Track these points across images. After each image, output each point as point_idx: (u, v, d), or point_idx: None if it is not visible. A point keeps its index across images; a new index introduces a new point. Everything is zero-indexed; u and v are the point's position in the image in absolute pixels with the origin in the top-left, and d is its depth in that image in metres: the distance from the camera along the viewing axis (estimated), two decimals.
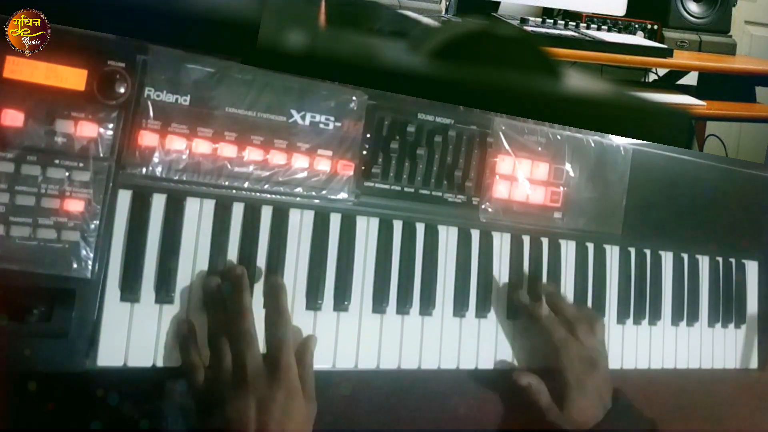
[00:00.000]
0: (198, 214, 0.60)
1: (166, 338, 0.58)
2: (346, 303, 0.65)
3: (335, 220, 0.65)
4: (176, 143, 0.58)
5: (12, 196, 0.52)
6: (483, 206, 0.71)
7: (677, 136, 0.83)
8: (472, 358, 0.70)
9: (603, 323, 0.74)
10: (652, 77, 1.23)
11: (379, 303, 0.66)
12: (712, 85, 1.16)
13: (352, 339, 0.65)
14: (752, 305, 0.92)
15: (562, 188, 0.74)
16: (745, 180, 0.88)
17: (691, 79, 1.20)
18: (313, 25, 0.71)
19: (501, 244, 0.73)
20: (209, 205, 0.61)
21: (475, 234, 0.72)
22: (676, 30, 1.19)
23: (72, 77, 0.54)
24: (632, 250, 0.82)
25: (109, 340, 0.56)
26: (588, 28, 1.13)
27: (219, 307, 0.58)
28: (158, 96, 0.57)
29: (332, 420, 0.66)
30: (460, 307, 0.70)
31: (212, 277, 0.59)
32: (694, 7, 1.19)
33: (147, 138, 0.57)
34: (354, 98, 0.64)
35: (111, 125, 0.55)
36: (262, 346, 0.57)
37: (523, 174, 0.72)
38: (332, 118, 0.63)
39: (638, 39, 1.15)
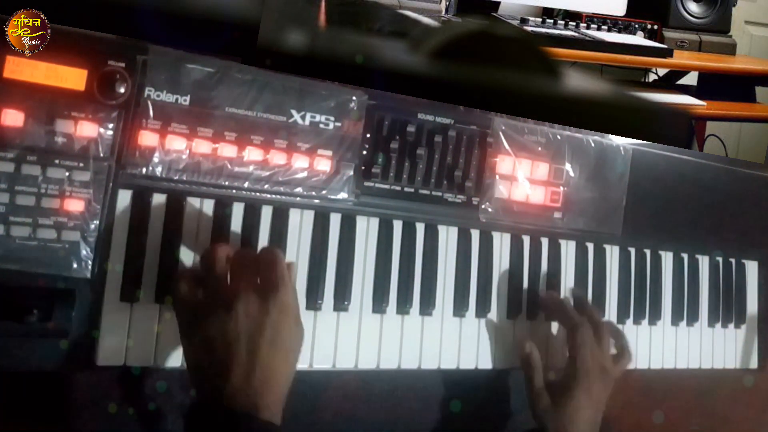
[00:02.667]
0: (198, 214, 0.60)
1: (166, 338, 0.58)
2: (346, 303, 0.65)
3: (335, 220, 0.66)
4: (176, 143, 0.58)
5: (12, 196, 0.52)
6: (483, 206, 0.71)
7: (677, 136, 0.83)
8: (472, 358, 0.70)
9: (630, 353, 0.73)
10: (652, 77, 1.23)
11: (379, 303, 0.66)
12: (712, 85, 1.16)
13: (352, 339, 0.65)
14: (752, 305, 0.92)
15: (562, 188, 0.74)
16: (745, 180, 0.88)
17: (691, 79, 1.20)
18: (313, 25, 0.72)
19: (501, 244, 0.73)
20: (209, 205, 0.61)
21: (475, 234, 0.72)
22: (676, 30, 1.19)
23: (72, 77, 0.54)
24: (632, 250, 0.82)
25: (109, 340, 0.56)
26: (588, 28, 1.13)
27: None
28: (158, 96, 0.57)
29: (332, 420, 0.66)
30: (460, 307, 0.70)
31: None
32: (694, 7, 1.19)
33: (147, 138, 0.57)
34: (354, 98, 0.64)
35: (111, 125, 0.55)
36: None
37: (523, 174, 0.72)
38: (332, 118, 0.63)
39: (638, 39, 1.15)
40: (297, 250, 0.63)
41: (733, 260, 0.90)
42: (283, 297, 0.54)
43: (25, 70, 0.53)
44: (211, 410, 0.50)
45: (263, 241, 0.62)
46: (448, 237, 0.71)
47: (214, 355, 0.51)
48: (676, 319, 0.84)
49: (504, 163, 0.71)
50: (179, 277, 0.56)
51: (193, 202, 0.60)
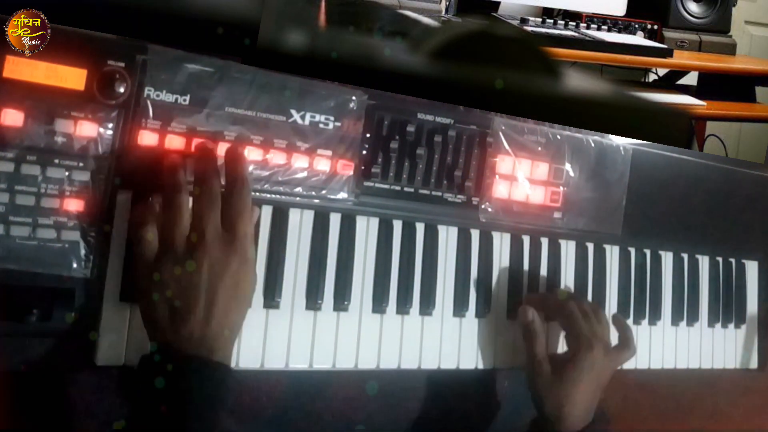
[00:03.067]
0: None
1: None
2: (346, 303, 0.65)
3: (335, 220, 0.65)
4: (176, 143, 0.58)
5: (12, 196, 0.52)
6: (483, 206, 0.71)
7: (677, 136, 0.83)
8: (472, 358, 0.70)
9: (634, 345, 0.73)
10: (652, 77, 1.23)
11: (379, 303, 0.66)
12: (712, 85, 1.16)
13: (352, 339, 0.65)
14: (752, 305, 0.92)
15: (562, 188, 0.74)
16: (745, 180, 0.88)
17: (691, 79, 1.20)
18: (313, 25, 0.72)
19: (501, 244, 0.73)
20: None
21: (475, 234, 0.72)
22: (676, 30, 1.19)
23: (72, 77, 0.54)
24: (632, 250, 0.82)
25: (108, 340, 0.56)
26: (588, 28, 1.13)
27: (181, 169, 0.56)
28: (158, 96, 0.57)
29: (332, 420, 0.66)
30: (460, 307, 0.70)
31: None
32: (694, 7, 1.19)
33: (147, 138, 0.57)
34: (354, 98, 0.64)
35: (111, 125, 0.55)
36: None
37: (523, 174, 0.72)
38: (332, 118, 0.63)
39: (638, 39, 1.15)
40: (297, 250, 0.63)
41: (733, 260, 0.90)
42: (246, 247, 0.54)
43: (25, 70, 0.53)
44: (166, 355, 0.50)
45: (263, 241, 0.62)
46: (448, 237, 0.71)
47: (173, 300, 0.51)
48: (676, 319, 0.84)
49: (504, 163, 0.71)
50: (138, 214, 0.55)
51: None
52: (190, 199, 0.55)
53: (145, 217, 0.55)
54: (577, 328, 0.68)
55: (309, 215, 0.64)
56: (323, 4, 0.74)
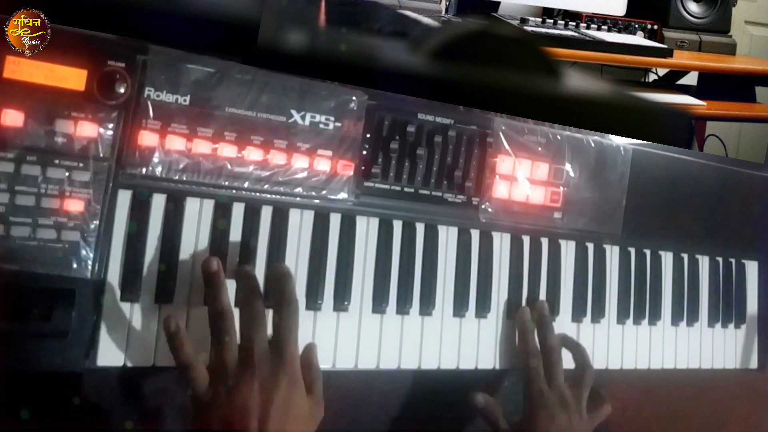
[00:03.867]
0: (198, 214, 0.60)
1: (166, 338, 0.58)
2: (346, 303, 0.65)
3: (335, 220, 0.65)
4: (176, 143, 0.58)
5: (12, 196, 0.52)
6: (483, 206, 0.71)
7: (677, 136, 0.83)
8: (472, 358, 0.70)
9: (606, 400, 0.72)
10: (652, 77, 1.23)
11: (379, 303, 0.66)
12: (712, 85, 1.16)
13: (352, 339, 0.65)
14: (752, 305, 0.92)
15: (562, 188, 0.74)
16: (745, 180, 0.88)
17: (691, 79, 1.20)
18: (313, 25, 0.71)
19: (501, 244, 0.73)
20: (209, 205, 0.61)
21: (475, 234, 0.72)
22: (676, 30, 1.19)
23: (72, 77, 0.54)
24: (632, 250, 0.82)
25: (109, 340, 0.56)
26: (588, 28, 1.13)
27: (223, 290, 0.57)
28: (158, 96, 0.57)
29: (332, 420, 0.66)
30: (460, 307, 0.70)
31: (214, 258, 0.58)
32: (694, 7, 1.19)
33: (147, 138, 0.57)
34: (354, 98, 0.64)
35: (111, 125, 0.55)
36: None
37: (523, 174, 0.72)
38: (332, 118, 0.63)
39: (638, 39, 1.15)
40: (297, 251, 0.63)
41: (733, 260, 0.90)
42: (295, 367, 0.55)
43: (25, 70, 0.53)
44: None
45: (263, 241, 0.62)
46: (448, 237, 0.71)
47: (228, 421, 0.52)
48: (676, 320, 0.84)
49: (504, 163, 0.71)
50: (184, 341, 0.55)
51: (193, 202, 0.60)
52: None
53: (189, 345, 0.55)
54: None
55: (309, 215, 0.64)
56: (323, 4, 0.74)
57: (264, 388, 0.53)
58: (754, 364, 0.90)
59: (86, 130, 0.54)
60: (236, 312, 0.57)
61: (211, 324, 0.56)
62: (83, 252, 0.54)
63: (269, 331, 0.57)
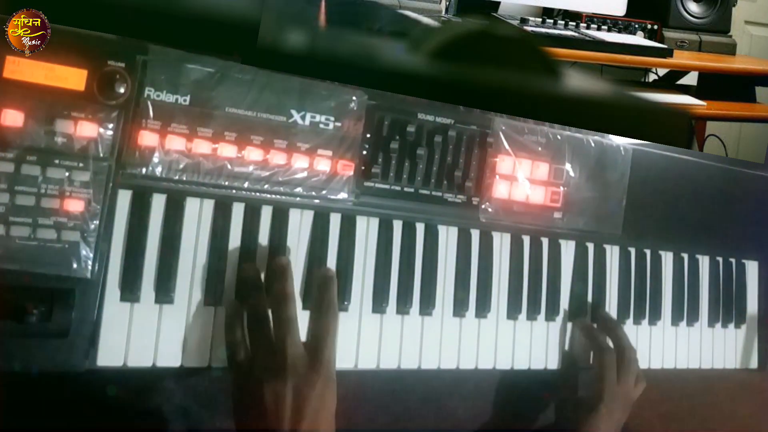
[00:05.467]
0: (198, 214, 0.60)
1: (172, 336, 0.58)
2: (346, 303, 0.65)
3: (335, 220, 0.65)
4: (176, 143, 0.58)
5: (12, 196, 0.52)
6: (483, 206, 0.71)
7: (677, 136, 0.83)
8: (472, 358, 0.70)
9: (643, 377, 0.76)
10: (652, 77, 1.23)
11: (379, 303, 0.66)
12: (712, 85, 1.16)
13: (352, 339, 0.65)
14: (752, 305, 0.92)
15: (562, 188, 0.74)
16: (745, 180, 0.88)
17: (691, 79, 1.20)
18: (313, 25, 0.71)
19: (501, 244, 0.73)
20: (209, 205, 0.61)
21: (475, 234, 0.72)
22: (676, 30, 1.19)
23: (72, 77, 0.54)
24: (632, 250, 0.82)
25: (109, 340, 0.56)
26: (588, 28, 1.13)
27: (259, 293, 0.59)
28: (158, 96, 0.57)
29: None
30: (460, 307, 0.70)
31: (251, 264, 0.60)
32: (694, 7, 1.19)
33: (147, 138, 0.57)
34: (354, 98, 0.64)
35: (111, 125, 0.55)
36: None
37: (523, 174, 0.72)
38: (332, 118, 0.63)
39: (638, 39, 1.15)
40: (296, 250, 0.63)
41: (733, 260, 0.90)
42: (330, 370, 0.57)
43: (25, 70, 0.53)
44: None
45: (263, 241, 0.62)
46: (448, 237, 0.71)
47: (264, 419, 0.53)
48: (676, 319, 0.84)
49: (504, 163, 0.71)
50: (233, 339, 0.58)
51: (193, 202, 0.60)
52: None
53: (236, 337, 0.58)
54: (607, 384, 0.71)
55: (309, 215, 0.64)
56: (323, 4, 0.74)
57: (299, 387, 0.54)
58: (754, 364, 0.90)
59: (86, 130, 0.54)
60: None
61: (256, 320, 0.58)
62: (83, 252, 0.54)
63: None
